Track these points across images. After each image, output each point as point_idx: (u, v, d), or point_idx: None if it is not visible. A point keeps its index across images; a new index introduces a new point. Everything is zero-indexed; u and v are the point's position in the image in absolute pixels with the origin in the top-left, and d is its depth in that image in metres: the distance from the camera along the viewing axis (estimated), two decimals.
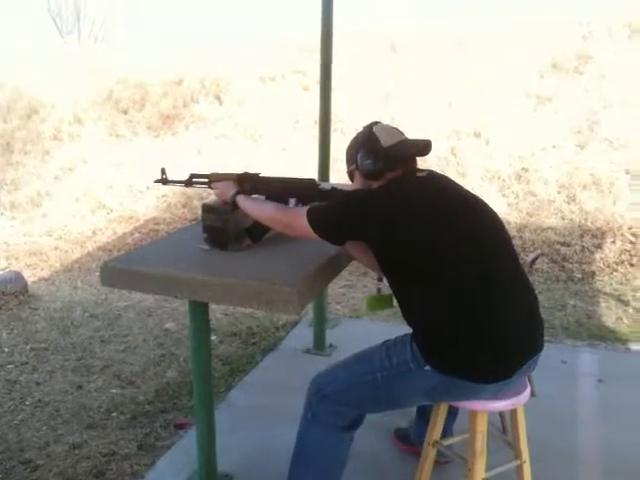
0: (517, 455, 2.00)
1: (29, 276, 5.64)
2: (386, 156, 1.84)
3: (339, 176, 3.21)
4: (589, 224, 5.71)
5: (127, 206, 7.28)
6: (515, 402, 1.87)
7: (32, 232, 7.01)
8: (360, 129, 1.98)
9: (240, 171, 2.18)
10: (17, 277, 4.86)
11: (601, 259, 5.31)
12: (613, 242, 5.48)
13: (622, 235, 5.53)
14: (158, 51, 10.08)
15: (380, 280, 2.08)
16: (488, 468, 1.92)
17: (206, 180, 2.18)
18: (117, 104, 9.11)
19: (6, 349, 3.78)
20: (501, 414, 2.58)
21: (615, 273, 5.17)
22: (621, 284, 4.98)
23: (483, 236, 1.78)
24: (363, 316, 4.28)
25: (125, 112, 9.00)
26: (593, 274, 5.15)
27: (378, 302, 2.19)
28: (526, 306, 1.80)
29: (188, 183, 2.22)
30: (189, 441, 2.59)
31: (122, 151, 8.22)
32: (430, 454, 2.08)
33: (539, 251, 3.14)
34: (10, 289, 4.67)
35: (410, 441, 2.55)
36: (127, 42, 11.04)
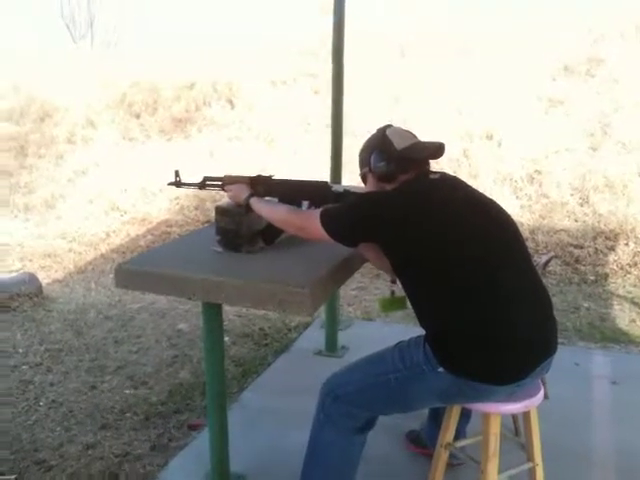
0: (530, 458, 2.00)
1: (43, 278, 5.68)
2: (399, 159, 1.84)
3: (351, 179, 3.22)
4: (602, 226, 5.69)
5: (140, 208, 7.32)
6: (528, 404, 1.87)
7: (46, 234, 7.06)
8: (372, 132, 1.99)
9: (253, 174, 2.20)
10: (31, 279, 4.90)
11: (614, 261, 5.29)
12: (626, 244, 5.45)
13: (635, 237, 5.50)
14: (170, 55, 10.13)
15: (393, 282, 2.08)
16: (501, 470, 1.91)
17: (219, 183, 2.20)
18: (130, 108, 9.17)
19: (20, 350, 3.81)
20: (514, 416, 2.58)
21: (628, 275, 5.14)
22: (634, 286, 4.96)
23: (494, 238, 1.78)
24: (375, 318, 4.28)
25: (138, 116, 9.06)
26: (606, 276, 5.12)
27: (391, 304, 2.20)
28: (539, 308, 1.80)
29: (202, 186, 2.24)
30: (202, 442, 2.60)
31: (135, 154, 8.27)
32: (442, 456, 2.08)
33: (552, 253, 3.13)
34: (24, 290, 4.70)
35: (422, 443, 2.55)
36: (139, 47, 11.11)
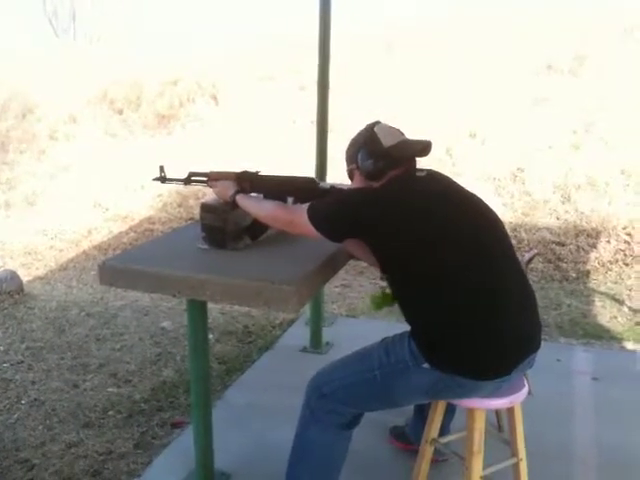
0: (514, 453, 2.01)
1: (24, 275, 5.62)
2: (387, 156, 1.84)
3: (336, 175, 3.22)
4: (584, 224, 5.74)
5: (122, 205, 7.27)
6: (513, 400, 1.88)
7: (27, 231, 7.00)
8: (358, 129, 1.98)
9: (239, 170, 2.19)
10: (13, 276, 4.85)
11: (596, 258, 5.34)
12: (608, 242, 5.50)
13: (617, 235, 5.55)
14: (153, 51, 10.07)
15: (382, 278, 2.08)
16: (485, 466, 1.92)
17: (205, 179, 2.19)
18: (112, 104, 9.10)
19: (1, 348, 3.77)
20: (497, 411, 2.60)
21: (610, 272, 5.19)
22: (616, 283, 5.01)
23: (482, 235, 1.78)
24: (359, 314, 4.29)
25: (120, 112, 8.99)
26: (588, 273, 5.17)
27: (382, 300, 2.19)
28: (525, 304, 1.81)
29: (187, 181, 2.22)
30: (186, 439, 2.59)
31: (117, 151, 8.21)
32: (427, 452, 2.09)
33: (535, 250, 3.14)
34: (5, 288, 4.66)
35: (406, 439, 2.55)
36: (122, 42, 11.02)
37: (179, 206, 7.06)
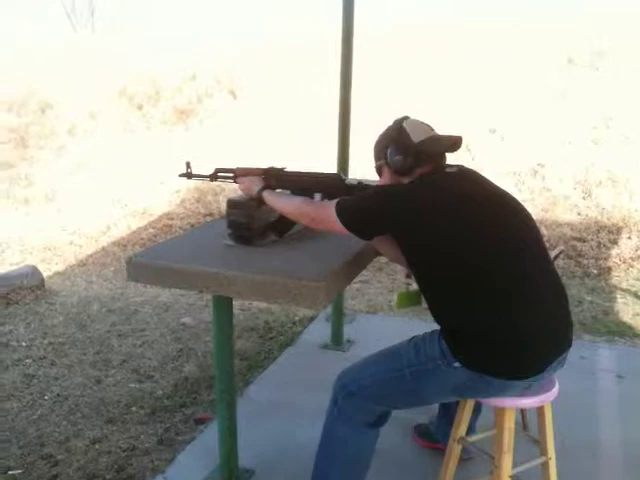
0: (543, 452, 1.99)
1: (44, 271, 5.65)
2: (416, 152, 1.81)
3: (357, 172, 3.20)
4: (605, 220, 5.69)
5: (141, 201, 7.29)
6: (543, 399, 1.86)
7: (47, 227, 7.03)
8: (379, 126, 1.96)
9: (260, 165, 2.18)
10: (34, 272, 4.87)
11: (617, 255, 5.29)
12: (629, 238, 5.45)
13: (638, 231, 5.50)
14: (172, 46, 10.08)
15: (409, 277, 2.06)
16: (513, 465, 1.90)
17: (231, 175, 2.18)
18: (131, 99, 9.13)
19: (24, 343, 3.79)
20: (522, 410, 2.57)
21: (631, 269, 5.14)
22: (638, 280, 4.96)
23: (514, 233, 1.76)
24: (379, 311, 4.27)
25: (139, 107, 9.02)
26: (609, 270, 5.12)
27: (408, 299, 2.18)
28: (557, 302, 1.78)
29: (213, 177, 2.21)
30: (209, 436, 2.60)
31: (136, 146, 8.23)
32: (455, 451, 2.07)
33: (561, 247, 3.12)
34: (26, 283, 4.68)
35: (431, 437, 2.54)
36: (141, 38, 11.04)
37: (197, 202, 7.07)
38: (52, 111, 9.36)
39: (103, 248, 6.52)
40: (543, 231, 5.51)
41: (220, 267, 1.92)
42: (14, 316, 4.24)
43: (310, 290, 1.79)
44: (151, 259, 2.05)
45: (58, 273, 5.84)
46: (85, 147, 8.48)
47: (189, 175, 2.21)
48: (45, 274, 5.45)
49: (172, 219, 6.90)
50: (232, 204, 2.16)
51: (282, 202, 2.03)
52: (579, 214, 5.83)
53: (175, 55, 9.59)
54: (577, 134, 6.62)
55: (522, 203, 1.89)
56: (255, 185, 2.09)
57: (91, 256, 6.32)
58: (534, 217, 1.90)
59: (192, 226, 6.46)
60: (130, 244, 6.48)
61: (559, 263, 5.14)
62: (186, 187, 7.16)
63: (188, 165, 2.20)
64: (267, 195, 2.05)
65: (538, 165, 6.40)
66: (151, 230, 6.78)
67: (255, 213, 2.11)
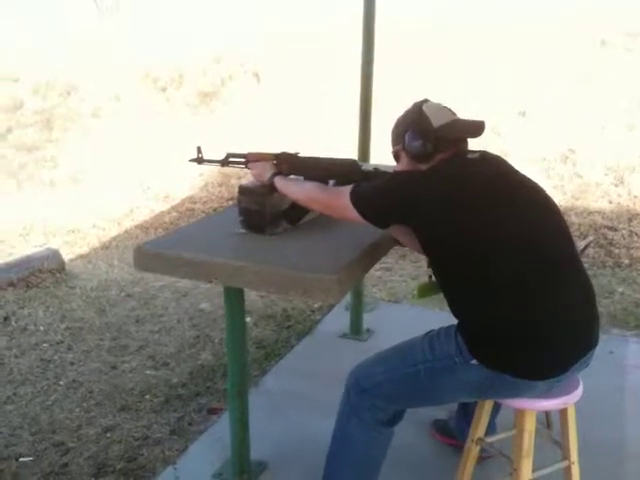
0: (566, 456, 1.89)
1: (67, 253, 5.67)
2: (436, 137, 1.71)
3: (379, 157, 3.10)
4: (638, 208, 5.50)
5: (164, 184, 7.27)
6: (567, 400, 1.76)
7: (71, 209, 7.04)
8: (404, 108, 1.86)
9: (278, 150, 2.09)
10: (54, 254, 4.87)
11: None
12: None
13: None
14: (196, 29, 10.01)
15: (430, 266, 1.96)
16: (533, 468, 1.81)
17: (243, 160, 2.10)
18: (155, 82, 9.09)
19: (41, 327, 3.78)
20: None
21: None
22: None
23: (539, 224, 1.65)
24: (401, 299, 4.17)
25: (163, 90, 8.98)
26: None
27: (429, 289, 2.08)
28: (583, 298, 1.68)
29: (224, 163, 2.13)
30: (222, 427, 2.53)
31: (160, 129, 8.20)
32: (473, 451, 1.98)
33: (591, 238, 2.99)
34: (47, 266, 4.67)
35: (449, 433, 2.46)
36: (165, 20, 10.99)
37: (220, 185, 7.02)
38: (77, 94, 9.37)
39: (126, 231, 6.51)
40: (573, 219, 5.36)
41: (229, 257, 1.85)
42: (34, 299, 4.23)
43: (322, 283, 1.71)
44: (159, 248, 1.99)
45: (81, 256, 5.84)
46: (109, 130, 8.47)
47: (200, 160, 2.13)
48: (68, 257, 5.46)
49: (195, 203, 6.86)
50: (243, 191, 2.08)
51: (294, 189, 1.94)
52: (611, 202, 5.65)
53: (199, 38, 9.52)
54: (609, 118, 6.41)
55: (549, 191, 1.77)
56: (267, 171, 2.01)
57: (114, 239, 6.31)
58: (564, 204, 1.80)
59: (215, 210, 6.41)
60: (152, 227, 6.45)
61: (589, 252, 4.98)
62: (209, 171, 7.11)
63: (199, 150, 2.13)
64: (279, 181, 1.97)
65: (569, 150, 6.21)
66: (174, 214, 6.75)
67: (267, 200, 2.03)
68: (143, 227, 6.53)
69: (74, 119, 8.91)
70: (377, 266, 4.86)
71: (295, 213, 2.07)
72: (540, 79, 6.97)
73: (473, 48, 7.72)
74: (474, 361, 1.63)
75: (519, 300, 1.58)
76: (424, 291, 2.08)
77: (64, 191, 7.62)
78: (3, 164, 8.43)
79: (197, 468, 2.38)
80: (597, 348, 1.70)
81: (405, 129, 1.77)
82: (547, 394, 1.71)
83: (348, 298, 3.57)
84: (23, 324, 3.82)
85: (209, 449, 2.48)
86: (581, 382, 1.83)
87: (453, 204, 1.60)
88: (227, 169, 6.76)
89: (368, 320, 3.57)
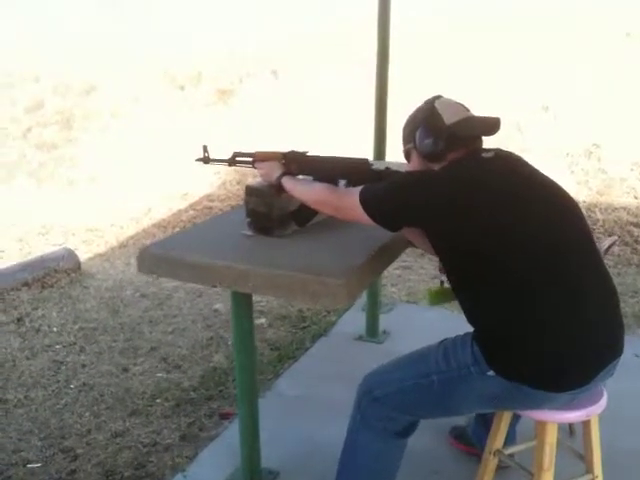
0: (589, 469, 1.80)
1: (85, 252, 5.66)
2: (449, 135, 1.62)
3: (395, 156, 3.01)
4: None
5: (182, 183, 7.23)
6: (590, 412, 1.67)
7: (89, 208, 7.04)
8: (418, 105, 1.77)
9: (288, 149, 2.01)
10: (70, 254, 4.85)
11: None
12: None
13: None
14: (212, 26, 9.96)
15: (442, 271, 1.87)
16: None
17: (250, 159, 2.02)
18: (173, 80, 9.07)
19: (55, 329, 3.74)
20: None
21: None
22: None
23: (559, 226, 1.55)
24: (420, 300, 4.08)
25: (182, 88, 8.95)
26: None
27: (441, 296, 1.99)
28: (607, 304, 1.58)
29: (231, 162, 2.04)
30: (233, 433, 2.45)
31: (178, 127, 8.17)
32: (491, 463, 1.89)
33: (615, 237, 2.86)
34: (62, 266, 4.65)
35: (467, 440, 2.36)
36: (182, 18, 10.96)
37: (238, 183, 6.97)
38: (96, 93, 9.38)
39: (144, 230, 6.49)
40: (597, 215, 5.21)
41: (234, 260, 1.78)
42: (48, 300, 4.20)
43: (330, 288, 1.63)
44: (164, 250, 1.92)
45: (99, 255, 5.83)
46: (128, 129, 8.46)
47: (206, 160, 2.05)
48: (86, 256, 5.45)
49: (212, 201, 6.82)
50: (250, 191, 2.01)
51: (303, 189, 1.86)
52: (636, 197, 5.50)
53: (217, 35, 9.47)
54: (635, 112, 6.23)
55: (573, 187, 1.67)
56: (275, 171, 1.92)
57: (131, 237, 6.29)
58: (588, 200, 1.69)
59: (232, 208, 6.35)
60: (170, 226, 6.42)
61: (614, 250, 4.84)
62: (226, 169, 7.06)
63: (205, 149, 2.05)
64: (287, 182, 1.88)
65: (593, 145, 6.06)
66: (191, 212, 6.72)
67: (275, 201, 1.95)
68: (161, 225, 6.51)
69: (93, 118, 8.93)
70: (396, 264, 4.77)
71: (304, 215, 1.99)
72: (563, 73, 6.81)
73: (494, 43, 7.58)
74: (491, 372, 1.54)
75: (537, 309, 1.48)
76: (436, 297, 2.00)
77: (83, 190, 7.63)
78: (23, 163, 8.47)
79: (206, 476, 2.32)
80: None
81: (416, 127, 1.69)
82: (569, 405, 1.62)
83: (365, 299, 3.49)
84: (36, 325, 3.79)
85: (219, 456, 2.42)
86: (605, 392, 1.73)
87: (465, 207, 1.51)
88: (243, 167, 6.71)
89: (385, 321, 3.49)
